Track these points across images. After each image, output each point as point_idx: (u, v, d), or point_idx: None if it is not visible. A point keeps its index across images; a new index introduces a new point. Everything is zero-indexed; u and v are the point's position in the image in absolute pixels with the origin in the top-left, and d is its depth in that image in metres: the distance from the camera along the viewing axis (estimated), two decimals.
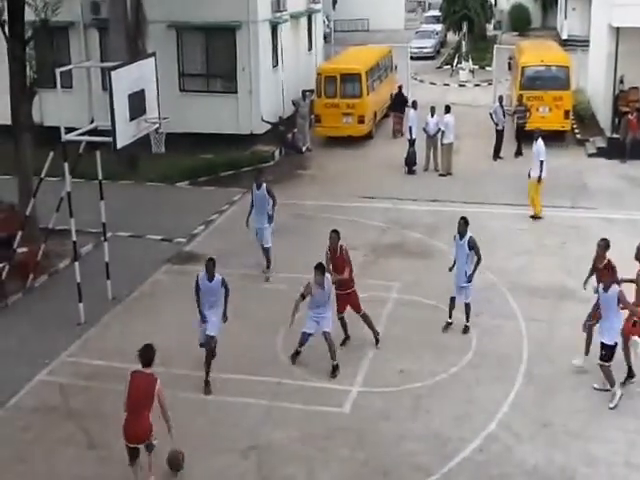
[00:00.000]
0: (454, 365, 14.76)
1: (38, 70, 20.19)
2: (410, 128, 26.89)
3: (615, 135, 28.48)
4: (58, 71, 16.09)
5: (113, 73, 15.38)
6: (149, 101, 16.73)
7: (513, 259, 19.50)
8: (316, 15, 37.54)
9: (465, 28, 47.02)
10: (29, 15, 20.10)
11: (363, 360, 15.05)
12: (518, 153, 28.21)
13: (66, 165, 16.21)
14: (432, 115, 26.69)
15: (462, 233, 15.68)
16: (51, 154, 16.67)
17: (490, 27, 54.30)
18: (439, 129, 26.36)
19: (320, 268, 14.43)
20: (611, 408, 13.37)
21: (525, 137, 28.17)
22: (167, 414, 11.25)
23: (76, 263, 16.73)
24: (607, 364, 13.48)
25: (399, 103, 31.84)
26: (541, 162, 21.96)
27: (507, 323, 16.36)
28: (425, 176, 26.37)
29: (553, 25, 59.67)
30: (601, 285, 13.58)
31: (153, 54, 17.90)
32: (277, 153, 28.75)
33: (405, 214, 22.73)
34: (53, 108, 21.89)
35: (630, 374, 14.10)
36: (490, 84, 37.93)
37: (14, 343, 15.93)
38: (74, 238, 16.67)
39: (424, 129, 26.61)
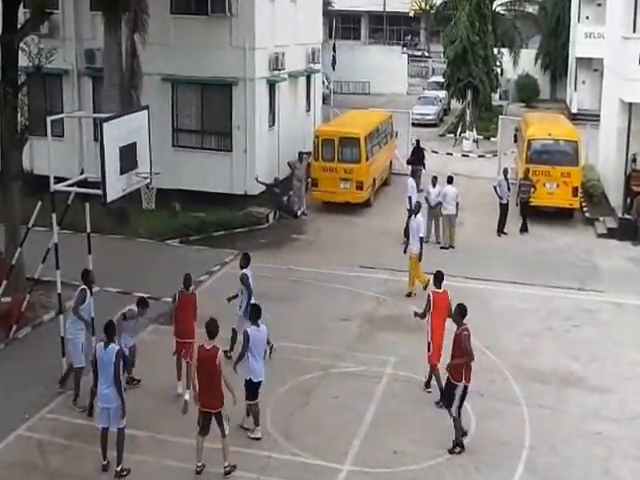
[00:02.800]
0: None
1: (30, 117, 20.65)
2: (409, 198, 27.08)
3: (627, 216, 28.61)
4: (49, 119, 16.50)
5: (105, 124, 15.76)
6: (141, 155, 17.10)
7: (517, 340, 19.68)
8: (315, 75, 38.23)
9: (470, 96, 47.63)
10: (23, 61, 20.63)
11: (356, 437, 15.14)
12: (523, 229, 28.64)
13: (54, 216, 16.58)
14: (434, 185, 27.15)
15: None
16: (39, 203, 17.07)
17: (496, 97, 55.07)
18: (440, 201, 26.83)
19: None
20: None
21: (531, 213, 28.79)
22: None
23: (61, 316, 16.99)
24: None
25: (417, 157, 33.81)
26: (421, 238, 22.40)
27: (508, 407, 16.47)
28: (425, 248, 26.56)
29: (562, 97, 60.46)
30: None
31: (146, 107, 18.34)
32: (271, 216, 29.14)
33: (403, 286, 22.97)
34: (43, 156, 22.27)
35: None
36: (495, 155, 38.52)
37: None
38: (59, 290, 16.96)
39: (425, 199, 27.00)
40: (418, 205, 23.26)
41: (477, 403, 16.44)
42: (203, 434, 13.86)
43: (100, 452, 13.92)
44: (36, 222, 17.43)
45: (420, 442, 15.07)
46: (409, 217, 26.89)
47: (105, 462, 13.88)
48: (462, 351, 14.65)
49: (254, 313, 15.10)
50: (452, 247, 26.81)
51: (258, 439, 14.96)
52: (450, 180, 27.30)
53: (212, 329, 13.84)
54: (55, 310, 18.51)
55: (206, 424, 13.80)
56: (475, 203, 31.33)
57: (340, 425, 15.54)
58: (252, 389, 14.93)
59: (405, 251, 22.79)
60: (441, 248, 26.74)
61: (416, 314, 17.44)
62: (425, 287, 21.50)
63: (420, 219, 22.65)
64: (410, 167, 33.55)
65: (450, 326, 15.88)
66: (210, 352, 13.55)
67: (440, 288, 16.88)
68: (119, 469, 13.74)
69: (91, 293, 16.37)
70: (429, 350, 16.73)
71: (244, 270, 17.82)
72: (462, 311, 15.08)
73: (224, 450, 13.86)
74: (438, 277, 17.00)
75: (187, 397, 15.79)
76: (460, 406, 14.81)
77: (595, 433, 15.63)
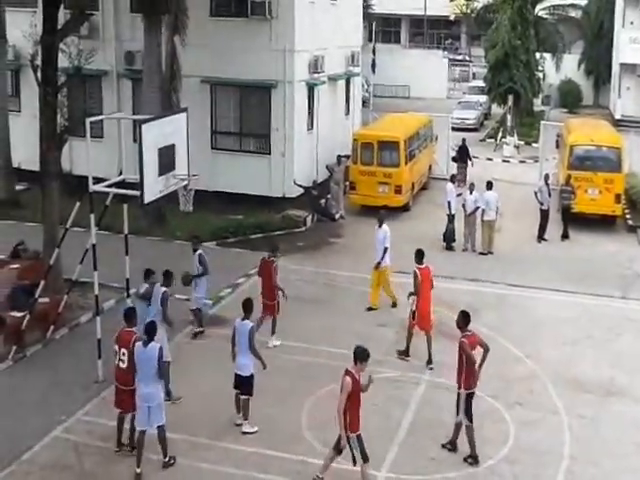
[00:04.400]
0: (490, 457, 14.78)
1: (69, 118, 20.87)
2: (449, 203, 27.11)
3: None
4: (89, 121, 16.64)
5: (144, 126, 15.92)
6: (179, 157, 17.24)
7: (557, 349, 19.53)
8: (355, 79, 38.26)
9: (511, 101, 47.41)
10: (63, 62, 20.82)
11: (392, 443, 15.14)
12: (565, 236, 28.46)
13: (92, 216, 16.71)
14: (471, 192, 27.04)
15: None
16: (77, 204, 17.16)
17: (538, 102, 54.75)
18: (477, 207, 26.66)
19: None
20: None
21: (572, 220, 28.56)
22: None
23: (97, 318, 17.20)
24: None
25: (462, 154, 35.67)
26: (385, 249, 21.54)
27: (548, 417, 16.35)
28: (464, 254, 26.58)
29: (605, 104, 59.93)
30: None
31: (185, 109, 18.52)
32: (309, 219, 29.18)
33: (442, 292, 22.82)
34: (82, 157, 22.44)
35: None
36: (536, 161, 38.31)
37: (31, 396, 16.36)
38: (96, 292, 17.15)
39: (463, 206, 26.92)
40: (381, 217, 22.21)
41: (516, 412, 16.40)
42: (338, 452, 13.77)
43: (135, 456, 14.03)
44: (74, 223, 17.57)
45: (457, 450, 14.95)
46: (449, 222, 26.99)
47: (139, 471, 13.76)
48: (464, 359, 14.55)
49: (246, 306, 15.30)
50: (491, 253, 26.67)
51: (254, 432, 15.11)
52: (490, 186, 27.12)
53: (248, 307, 15.10)
54: (92, 311, 18.68)
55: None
56: (516, 209, 31.16)
57: (377, 431, 15.43)
58: (241, 383, 15.14)
59: (377, 266, 21.49)
60: (480, 254, 26.61)
61: (410, 294, 18.70)
62: (394, 305, 21.54)
63: (386, 228, 21.55)
64: (455, 165, 35.49)
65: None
66: (354, 377, 13.45)
67: (422, 264, 18.68)
68: (167, 459, 13.98)
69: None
70: (413, 319, 18.56)
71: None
72: (465, 317, 14.96)
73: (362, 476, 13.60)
74: (419, 254, 18.78)
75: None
76: (467, 413, 14.70)
77: (636, 444, 15.44)
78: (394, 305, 21.38)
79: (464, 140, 36.93)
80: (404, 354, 18.95)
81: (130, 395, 13.95)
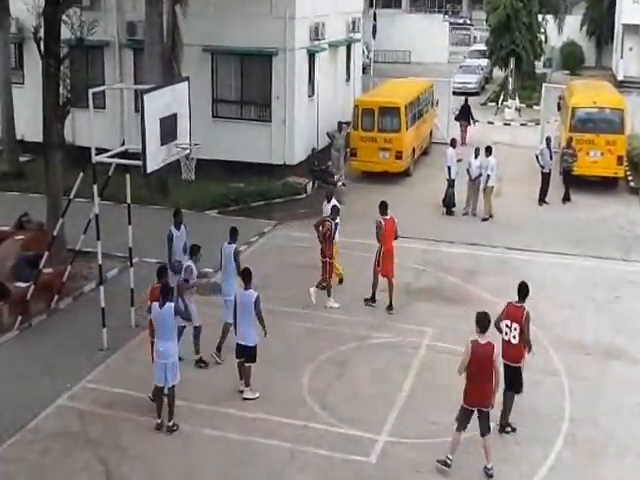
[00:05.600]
0: (492, 421, 14.75)
1: (72, 89, 20.75)
2: (449, 168, 27.00)
3: None
4: (91, 92, 16.61)
5: (146, 96, 15.85)
6: (181, 126, 17.18)
7: (558, 312, 19.46)
8: (355, 45, 38.10)
9: (512, 64, 47.19)
10: (65, 33, 20.75)
11: (393, 408, 15.16)
12: (566, 199, 28.38)
13: (95, 187, 16.74)
14: (475, 157, 26.82)
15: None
16: (81, 175, 17.20)
17: (539, 64, 54.42)
18: (481, 173, 26.57)
19: None
20: None
21: (574, 182, 28.55)
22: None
23: (101, 287, 17.26)
24: None
25: (464, 113, 36.85)
26: (336, 224, 20.05)
27: (548, 379, 16.31)
28: (465, 219, 26.54)
29: (608, 65, 59.65)
30: None
31: (187, 78, 18.43)
32: (310, 186, 29.20)
33: (443, 256, 22.96)
34: (85, 128, 22.45)
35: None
36: (537, 124, 38.19)
37: (36, 365, 16.46)
38: (100, 262, 17.22)
39: (467, 171, 26.81)
40: (330, 192, 21.76)
41: None
42: (462, 429, 13.40)
43: (154, 410, 14.36)
44: (77, 193, 17.58)
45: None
46: (449, 187, 26.95)
47: (159, 420, 14.21)
48: (525, 330, 14.19)
49: (245, 276, 15.24)
50: (491, 216, 26.57)
51: (256, 398, 15.23)
52: (489, 151, 26.94)
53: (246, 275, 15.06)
54: (96, 281, 18.79)
55: (466, 421, 13.32)
56: (517, 172, 31.17)
57: (377, 396, 15.59)
58: (246, 352, 15.16)
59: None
60: (483, 220, 26.47)
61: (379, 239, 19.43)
62: (340, 282, 20.76)
63: (334, 202, 20.77)
64: (458, 124, 36.70)
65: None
66: (485, 347, 12.89)
67: (387, 215, 19.52)
68: (171, 424, 14.17)
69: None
70: (378, 265, 19.31)
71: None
72: (521, 289, 14.68)
73: (486, 450, 13.36)
74: (382, 206, 19.63)
75: None
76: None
77: (637, 405, 15.50)
78: (340, 282, 20.71)
79: (467, 100, 37.70)
80: (370, 300, 19.62)
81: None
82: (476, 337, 12.96)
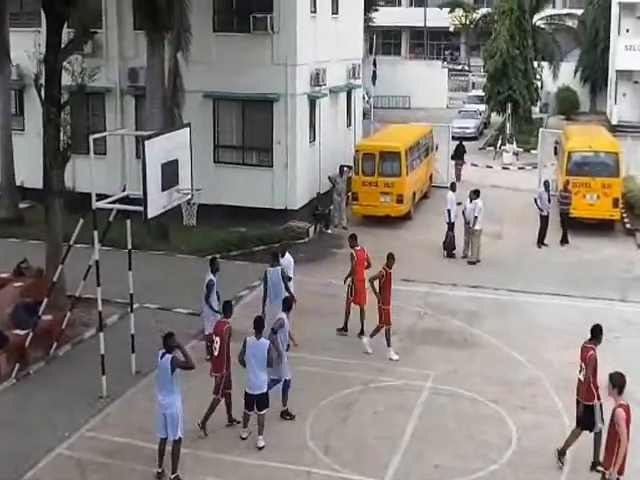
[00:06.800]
0: (494, 462, 14.51)
1: (72, 135, 20.52)
2: (449, 211, 26.87)
3: None
4: (92, 138, 16.44)
5: (147, 142, 15.69)
6: (182, 171, 17.02)
7: (559, 353, 19.10)
8: (356, 90, 38.05)
9: (510, 110, 47.37)
10: (66, 80, 20.63)
11: (396, 452, 14.84)
12: (564, 241, 28.20)
13: (95, 233, 16.49)
14: (470, 200, 26.52)
15: None
16: (81, 221, 16.96)
17: (536, 110, 54.57)
18: (476, 216, 26.23)
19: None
20: None
21: (572, 224, 28.38)
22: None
23: (101, 334, 16.92)
24: None
25: (459, 153, 37.97)
26: (289, 278, 19.46)
27: (551, 421, 16.05)
28: (465, 261, 26.31)
29: (602, 110, 59.77)
30: None
31: (188, 124, 18.30)
32: (312, 230, 28.97)
33: (445, 299, 22.70)
34: (85, 174, 22.26)
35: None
36: (535, 168, 38.14)
37: (34, 413, 16.08)
38: (100, 308, 16.91)
39: (463, 213, 26.60)
40: (283, 247, 20.95)
41: (518, 417, 16.16)
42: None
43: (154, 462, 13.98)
44: (78, 239, 17.32)
45: (461, 456, 14.74)
46: (449, 230, 26.73)
47: (160, 470, 13.86)
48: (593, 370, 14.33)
49: (256, 323, 15.10)
50: (479, 261, 26.24)
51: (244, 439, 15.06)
52: (477, 194, 26.59)
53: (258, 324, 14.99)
54: (96, 327, 18.40)
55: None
56: (516, 215, 31.03)
57: (380, 439, 15.27)
58: (256, 401, 14.86)
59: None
60: (469, 263, 26.20)
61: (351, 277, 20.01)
62: (295, 345, 18.28)
63: (290, 258, 20.17)
64: (454, 163, 37.63)
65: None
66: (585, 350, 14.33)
67: (357, 246, 20.18)
68: (173, 477, 13.72)
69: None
70: (351, 295, 19.92)
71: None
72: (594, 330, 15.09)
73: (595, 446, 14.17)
74: (352, 237, 20.43)
75: None
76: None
77: (638, 445, 15.10)
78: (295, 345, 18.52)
79: (461, 141, 39.09)
80: (343, 329, 20.07)
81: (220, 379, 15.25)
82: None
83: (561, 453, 14.51)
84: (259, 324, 15.04)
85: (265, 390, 14.82)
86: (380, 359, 18.73)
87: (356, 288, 19.87)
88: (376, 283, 19.00)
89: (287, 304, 16.45)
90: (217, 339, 15.21)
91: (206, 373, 15.74)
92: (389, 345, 18.93)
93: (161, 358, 13.81)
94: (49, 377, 17.68)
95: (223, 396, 15.39)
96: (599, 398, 14.25)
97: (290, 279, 19.44)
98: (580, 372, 14.34)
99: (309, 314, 20.55)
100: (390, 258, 19.35)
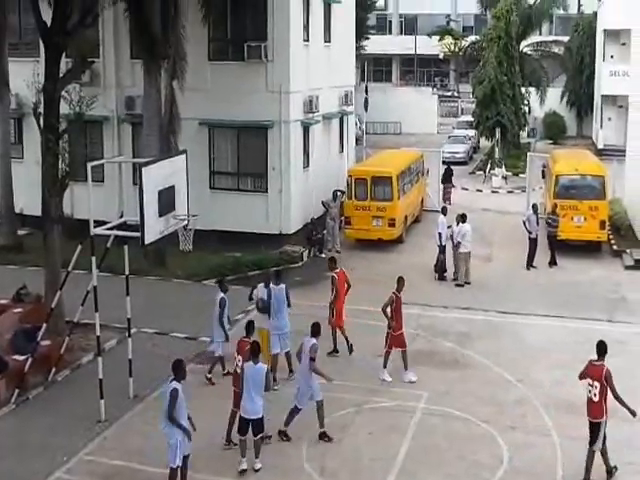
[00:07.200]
0: None
1: (70, 163, 20.56)
2: (439, 234, 26.88)
3: None
4: (90, 165, 16.45)
5: (144, 169, 15.72)
6: (179, 198, 17.04)
7: (548, 372, 19.24)
8: (348, 117, 38.13)
9: (498, 134, 47.60)
10: (64, 108, 20.71)
11: (390, 472, 14.79)
12: (552, 262, 28.25)
13: (93, 259, 16.48)
14: (457, 224, 26.54)
15: None
16: (79, 247, 16.93)
17: (524, 134, 54.82)
18: (459, 241, 26.24)
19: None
20: None
21: (560, 246, 28.50)
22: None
23: (99, 359, 16.86)
24: None
25: (448, 176, 38.27)
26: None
27: (541, 440, 16.06)
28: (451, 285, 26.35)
29: (588, 134, 60.20)
30: None
31: (184, 151, 18.32)
32: (306, 254, 28.96)
33: (437, 321, 22.71)
34: (84, 201, 22.31)
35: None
36: (523, 191, 38.17)
37: (33, 437, 15.98)
38: (98, 333, 16.87)
39: (451, 237, 26.63)
40: (271, 276, 20.27)
41: (509, 436, 16.15)
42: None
43: None
44: (76, 265, 17.29)
45: (454, 476, 14.73)
46: (440, 253, 26.77)
47: None
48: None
49: (253, 349, 14.94)
50: (468, 283, 26.28)
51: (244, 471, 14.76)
52: (464, 218, 26.74)
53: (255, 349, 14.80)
54: (94, 352, 18.37)
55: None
56: (505, 238, 31.13)
57: (375, 460, 15.23)
58: (253, 426, 14.66)
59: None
60: (457, 285, 26.22)
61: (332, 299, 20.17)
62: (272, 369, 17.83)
63: (263, 289, 19.27)
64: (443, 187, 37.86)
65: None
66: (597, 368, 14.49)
67: (337, 268, 20.49)
68: None
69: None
70: (332, 316, 20.03)
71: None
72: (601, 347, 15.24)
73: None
74: (332, 260, 20.92)
75: None
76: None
77: (627, 463, 15.18)
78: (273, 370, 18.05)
79: (449, 165, 39.42)
80: (333, 351, 20.06)
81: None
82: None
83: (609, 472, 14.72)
84: (255, 350, 14.89)
85: (261, 415, 14.65)
86: (374, 381, 18.68)
87: (337, 310, 20.06)
88: (388, 310, 18.76)
89: (316, 328, 16.35)
90: (239, 357, 15.48)
91: (208, 397, 15.66)
92: (385, 366, 18.83)
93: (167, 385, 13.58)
94: (48, 402, 17.57)
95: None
96: (606, 414, 14.45)
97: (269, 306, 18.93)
98: (589, 392, 14.49)
99: (300, 336, 20.45)
100: (400, 282, 19.16)
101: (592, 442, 14.50)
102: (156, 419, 16.38)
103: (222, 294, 18.68)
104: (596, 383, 14.37)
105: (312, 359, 15.72)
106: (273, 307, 18.84)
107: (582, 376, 14.87)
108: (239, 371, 15.28)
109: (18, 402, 17.41)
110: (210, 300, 19.26)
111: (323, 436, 15.92)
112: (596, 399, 14.33)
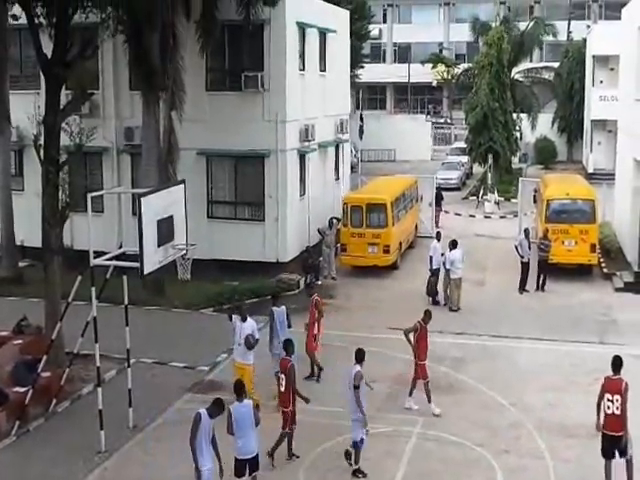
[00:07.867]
0: None
1: (70, 194, 20.50)
2: (431, 258, 26.91)
3: None
4: (90, 196, 16.43)
5: (143, 199, 15.69)
6: (177, 227, 17.03)
7: (540, 395, 19.22)
8: (344, 145, 38.23)
9: (491, 160, 47.69)
10: (64, 140, 20.71)
11: None
12: (540, 288, 28.29)
13: (93, 290, 16.42)
14: (450, 249, 26.53)
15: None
16: (79, 278, 16.86)
17: (515, 160, 54.90)
18: (448, 268, 26.21)
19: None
20: None
21: (551, 270, 28.53)
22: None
23: (99, 389, 16.75)
24: None
25: (437, 200, 37.98)
26: (257, 340, 18.50)
27: (534, 463, 15.99)
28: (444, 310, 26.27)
29: (579, 158, 60.30)
30: None
31: (182, 181, 18.30)
32: (302, 282, 28.84)
33: (432, 346, 22.47)
34: (83, 232, 22.29)
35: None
36: (515, 216, 38.19)
37: (34, 469, 15.87)
38: (98, 364, 16.77)
39: (443, 263, 26.59)
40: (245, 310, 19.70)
41: (503, 459, 16.08)
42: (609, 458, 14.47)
43: None
44: (76, 296, 17.21)
45: None
46: (431, 276, 26.72)
47: None
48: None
49: (236, 388, 14.29)
50: (459, 309, 26.26)
51: None
52: (455, 244, 26.73)
53: (239, 387, 14.27)
54: (94, 383, 18.25)
55: (609, 448, 14.47)
56: (498, 262, 31.12)
57: None
58: (249, 465, 14.17)
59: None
60: (450, 310, 26.18)
61: (307, 325, 20.52)
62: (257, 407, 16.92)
63: (252, 322, 18.68)
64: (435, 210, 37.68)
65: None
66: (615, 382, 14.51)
67: (314, 294, 21.06)
68: None
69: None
70: (315, 340, 20.33)
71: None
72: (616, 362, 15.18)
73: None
74: (309, 287, 22.31)
75: None
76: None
77: None
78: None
79: (439, 189, 39.00)
80: (317, 377, 20.42)
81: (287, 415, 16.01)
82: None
83: None
84: (239, 388, 14.24)
85: (256, 453, 14.16)
86: (370, 406, 18.41)
87: (312, 334, 20.44)
88: (411, 336, 18.62)
89: (361, 355, 15.87)
90: (282, 376, 15.94)
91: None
92: (430, 401, 18.42)
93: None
94: (49, 433, 17.46)
95: (291, 430, 15.99)
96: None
97: (257, 341, 18.52)
98: (609, 407, 14.41)
99: (300, 363, 20.42)
100: (426, 314, 18.95)
101: (623, 454, 14.51)
102: (156, 449, 16.47)
103: (238, 321, 18.52)
104: (617, 396, 14.34)
105: (356, 387, 15.40)
106: (275, 328, 19.43)
107: (601, 395, 14.69)
108: (282, 389, 16.02)
109: (19, 434, 17.25)
110: (205, 327, 19.15)
111: (357, 473, 15.62)
112: (618, 412, 14.30)
